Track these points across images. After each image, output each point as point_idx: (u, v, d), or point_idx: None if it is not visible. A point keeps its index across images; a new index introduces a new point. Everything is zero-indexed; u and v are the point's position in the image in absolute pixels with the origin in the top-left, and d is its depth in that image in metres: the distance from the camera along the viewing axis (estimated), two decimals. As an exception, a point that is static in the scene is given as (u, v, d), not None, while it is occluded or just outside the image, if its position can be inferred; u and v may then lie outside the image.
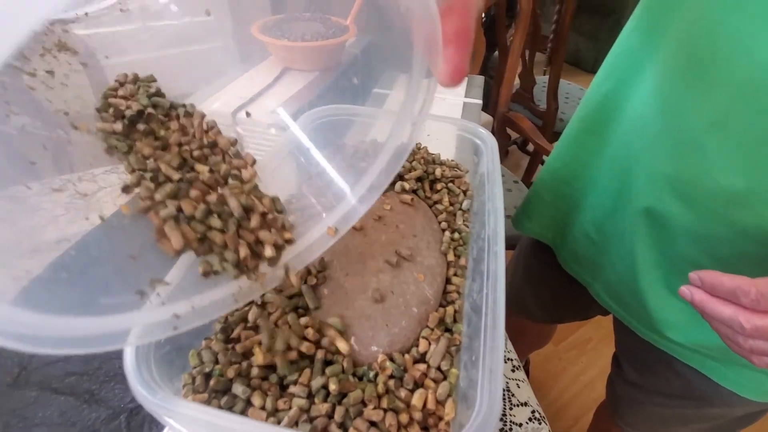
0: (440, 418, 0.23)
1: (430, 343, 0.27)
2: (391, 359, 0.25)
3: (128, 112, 0.25)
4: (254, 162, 0.29)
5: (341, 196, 0.27)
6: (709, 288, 0.31)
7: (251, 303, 0.28)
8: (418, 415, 0.23)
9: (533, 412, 0.58)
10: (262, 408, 0.23)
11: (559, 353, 1.31)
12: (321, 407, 0.23)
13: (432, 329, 0.28)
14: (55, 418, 0.47)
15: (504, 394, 0.60)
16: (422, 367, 0.25)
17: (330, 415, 0.23)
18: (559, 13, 1.47)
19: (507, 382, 0.61)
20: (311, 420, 0.23)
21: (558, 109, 1.41)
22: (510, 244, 1.11)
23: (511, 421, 0.57)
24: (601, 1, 2.44)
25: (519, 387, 0.61)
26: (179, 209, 0.22)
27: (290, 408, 0.24)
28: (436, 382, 0.24)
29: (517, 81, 1.43)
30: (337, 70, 0.68)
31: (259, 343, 0.26)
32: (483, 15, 1.61)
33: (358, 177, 0.27)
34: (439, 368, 0.25)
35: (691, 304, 0.32)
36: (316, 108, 0.42)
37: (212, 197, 0.23)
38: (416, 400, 0.23)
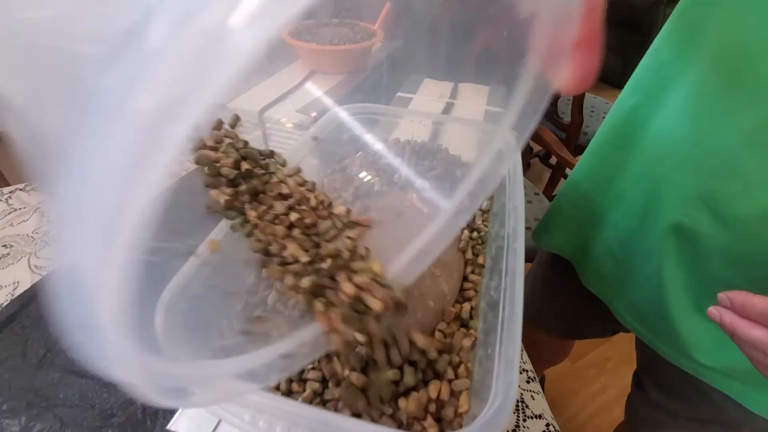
0: (455, 411, 0.23)
1: (445, 336, 0.27)
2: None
3: (225, 170, 0.25)
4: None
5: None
6: (739, 309, 0.30)
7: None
8: (432, 406, 0.23)
9: (548, 425, 0.56)
10: (277, 389, 0.24)
11: (576, 371, 1.27)
12: (334, 391, 0.23)
13: (448, 323, 0.28)
14: (76, 399, 0.48)
15: (518, 405, 0.59)
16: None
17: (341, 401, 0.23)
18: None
19: (521, 393, 0.59)
20: (324, 403, 0.23)
21: (582, 122, 1.40)
22: (528, 257, 1.09)
23: (524, 434, 0.56)
24: (629, 16, 2.42)
25: (533, 399, 0.59)
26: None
27: (304, 391, 0.24)
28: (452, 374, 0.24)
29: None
30: (363, 73, 0.69)
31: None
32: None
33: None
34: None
35: (720, 326, 0.31)
36: (345, 105, 0.43)
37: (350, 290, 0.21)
38: (432, 391, 0.23)
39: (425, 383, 0.24)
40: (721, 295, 0.31)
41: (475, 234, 0.35)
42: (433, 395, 0.23)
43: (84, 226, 0.10)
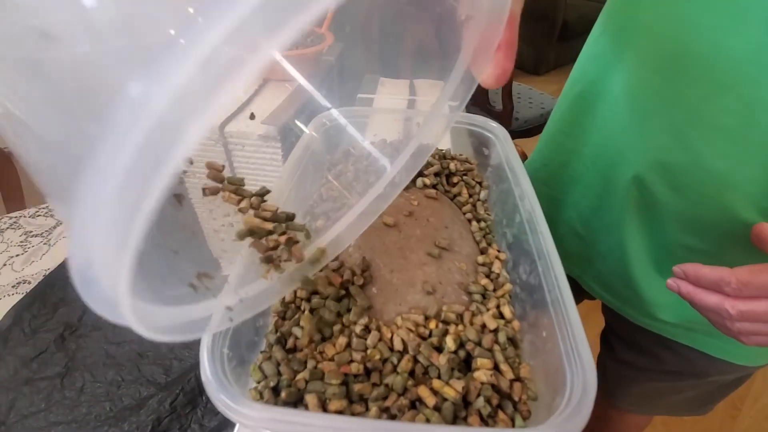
0: (519, 397, 0.23)
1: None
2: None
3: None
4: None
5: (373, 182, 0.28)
6: (693, 280, 0.34)
7: (302, 309, 0.27)
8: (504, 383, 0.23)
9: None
10: (341, 413, 0.22)
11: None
12: (402, 401, 0.22)
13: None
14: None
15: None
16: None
17: (412, 406, 0.22)
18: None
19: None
20: (393, 417, 0.22)
21: (513, 108, 1.48)
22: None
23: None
24: (536, 6, 2.61)
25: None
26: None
27: (366, 410, 0.23)
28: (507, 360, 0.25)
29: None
30: (317, 78, 0.67)
31: (321, 353, 0.25)
32: (434, 24, 1.66)
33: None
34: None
35: (679, 295, 0.35)
36: (326, 112, 0.41)
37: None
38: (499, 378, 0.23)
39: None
40: (676, 269, 0.35)
41: (483, 224, 0.35)
42: (492, 378, 0.23)
43: (96, 224, 0.12)
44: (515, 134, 1.51)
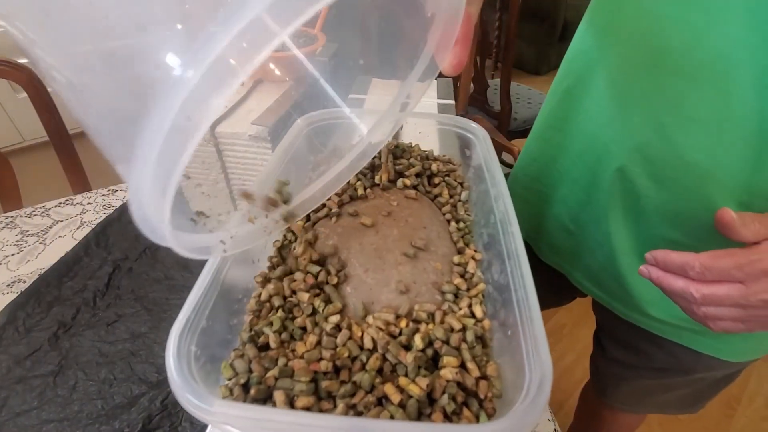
0: (484, 394, 0.24)
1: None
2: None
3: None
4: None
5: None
6: (662, 265, 0.34)
7: (277, 309, 0.27)
8: (470, 381, 0.23)
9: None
10: (308, 410, 0.23)
11: (536, 342, 1.36)
12: (369, 399, 0.23)
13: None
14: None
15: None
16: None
17: (378, 403, 0.23)
18: (501, 20, 1.55)
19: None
20: (359, 414, 0.23)
21: (511, 109, 1.48)
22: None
23: None
24: (537, 7, 2.61)
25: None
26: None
27: (334, 407, 0.23)
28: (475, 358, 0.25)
29: (470, 86, 1.49)
30: (309, 78, 0.68)
31: (292, 351, 0.26)
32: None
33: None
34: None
35: (650, 280, 0.36)
36: (308, 114, 0.42)
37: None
38: (465, 375, 0.24)
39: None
40: (647, 255, 0.36)
41: (461, 224, 0.36)
42: (457, 376, 0.24)
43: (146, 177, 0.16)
44: (514, 134, 1.51)
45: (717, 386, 0.58)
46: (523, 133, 1.51)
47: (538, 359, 0.21)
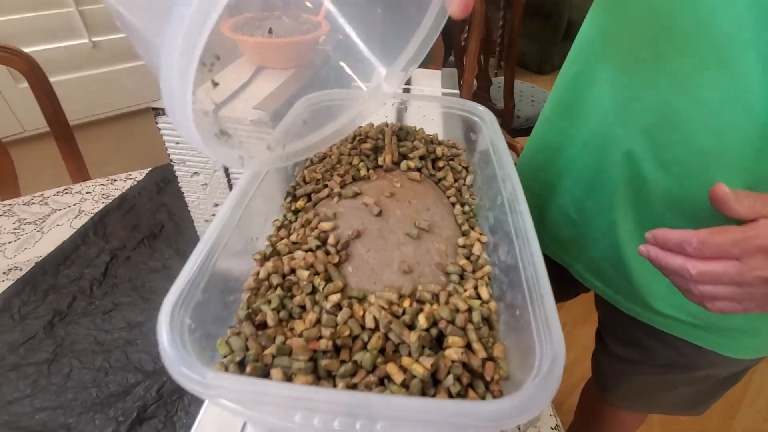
0: (491, 376, 0.23)
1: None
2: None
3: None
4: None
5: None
6: (661, 243, 0.34)
7: (276, 287, 0.26)
8: (476, 362, 0.22)
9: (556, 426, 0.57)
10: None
11: (537, 341, 1.34)
12: (370, 378, 0.22)
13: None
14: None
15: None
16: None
17: (380, 383, 0.22)
18: (504, 18, 1.55)
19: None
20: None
21: (515, 106, 1.48)
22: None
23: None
24: (541, 6, 2.60)
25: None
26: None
27: (334, 386, 0.22)
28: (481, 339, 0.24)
29: (474, 82, 1.48)
30: (312, 66, 0.67)
31: (291, 329, 0.25)
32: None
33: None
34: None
35: (649, 260, 0.35)
36: (311, 94, 0.41)
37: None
38: (471, 356, 0.23)
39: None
40: (647, 234, 0.35)
41: (467, 208, 0.35)
42: (462, 356, 0.23)
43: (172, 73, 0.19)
44: (517, 132, 1.50)
45: (722, 386, 0.57)
46: (527, 131, 1.50)
47: (549, 337, 0.20)
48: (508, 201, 0.29)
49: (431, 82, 0.67)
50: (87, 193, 0.78)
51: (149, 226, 0.74)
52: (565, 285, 0.64)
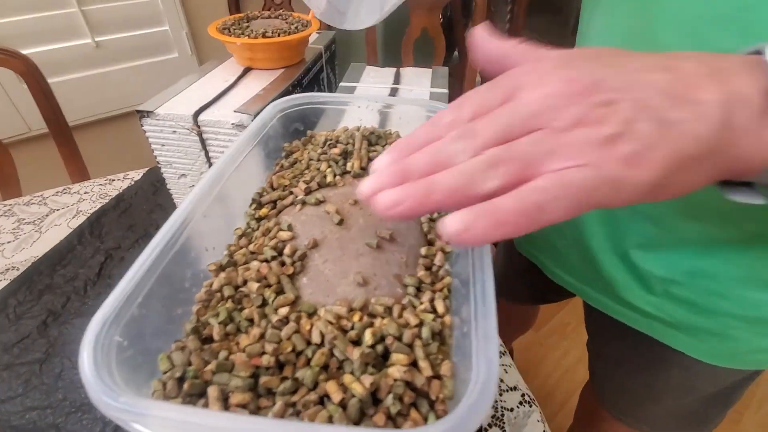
0: (437, 396, 0.22)
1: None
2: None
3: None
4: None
5: None
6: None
7: (226, 299, 0.26)
8: (420, 380, 0.22)
9: (523, 395, 0.57)
10: (243, 407, 0.21)
11: (540, 339, 1.33)
12: (310, 397, 0.21)
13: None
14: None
15: (493, 381, 0.59)
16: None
17: (319, 402, 0.21)
18: (512, 12, 1.51)
19: (495, 369, 0.60)
20: (297, 414, 0.21)
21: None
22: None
23: (501, 407, 0.57)
24: (549, 0, 2.54)
25: (507, 372, 0.61)
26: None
27: (273, 404, 0.22)
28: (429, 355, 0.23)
29: (477, 78, 1.46)
30: (302, 66, 0.66)
31: (237, 344, 0.24)
32: (441, 16, 1.64)
33: None
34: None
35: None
36: (286, 97, 0.40)
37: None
38: (416, 375, 0.22)
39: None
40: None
41: (435, 215, 0.34)
42: (405, 375, 0.22)
43: None
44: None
45: (712, 405, 0.54)
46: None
47: (485, 359, 0.19)
48: (469, 210, 0.28)
49: (420, 81, 0.66)
50: (85, 193, 0.80)
51: (144, 226, 0.74)
52: (539, 285, 0.64)
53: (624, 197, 0.19)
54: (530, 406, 0.57)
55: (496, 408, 0.57)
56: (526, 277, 0.74)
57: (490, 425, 0.56)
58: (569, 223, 0.50)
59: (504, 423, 0.56)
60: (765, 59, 0.19)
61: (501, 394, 0.59)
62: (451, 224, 0.19)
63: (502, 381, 0.60)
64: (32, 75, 0.76)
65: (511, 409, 0.58)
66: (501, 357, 0.62)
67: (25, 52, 0.78)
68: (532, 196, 0.18)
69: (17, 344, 0.58)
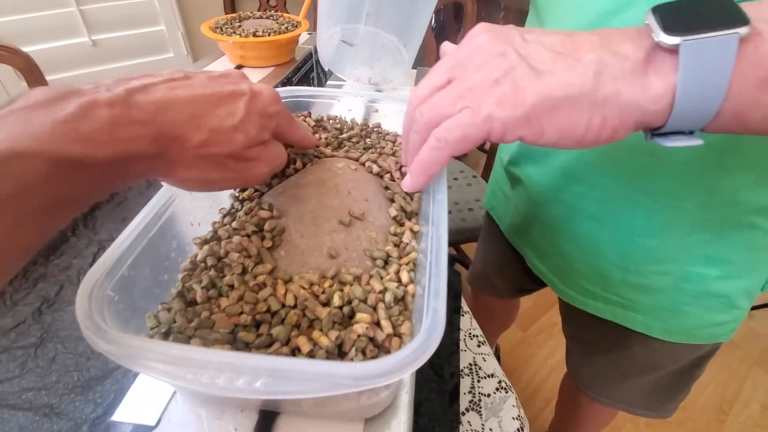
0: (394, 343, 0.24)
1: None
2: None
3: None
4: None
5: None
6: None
7: (209, 267, 0.29)
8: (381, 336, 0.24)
9: (499, 382, 0.60)
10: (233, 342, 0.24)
11: (527, 339, 1.35)
12: (282, 350, 0.24)
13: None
14: (15, 433, 0.47)
15: (471, 368, 0.62)
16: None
17: (291, 355, 0.24)
18: (504, 20, 1.55)
19: (474, 356, 0.63)
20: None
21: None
22: (474, 235, 1.13)
23: (479, 393, 0.59)
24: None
25: (485, 360, 0.63)
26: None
27: (258, 337, 0.24)
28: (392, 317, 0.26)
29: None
30: (292, 65, 0.69)
31: (218, 306, 0.27)
32: (433, 21, 1.68)
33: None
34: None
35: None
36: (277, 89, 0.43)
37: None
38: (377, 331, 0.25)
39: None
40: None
41: (403, 202, 0.36)
42: (367, 331, 0.24)
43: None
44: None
45: (677, 381, 0.57)
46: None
47: (434, 310, 0.22)
48: (432, 191, 0.31)
49: (405, 81, 0.69)
50: (81, 187, 0.82)
51: (137, 219, 0.77)
52: (520, 273, 0.68)
53: (500, 130, 0.24)
54: (506, 392, 0.60)
55: (474, 393, 0.59)
56: (504, 270, 0.77)
57: (468, 409, 0.59)
58: (555, 223, 0.52)
59: (481, 407, 0.59)
60: (645, 21, 0.22)
61: (479, 381, 0.61)
62: (404, 183, 0.32)
63: (480, 368, 0.62)
64: (32, 72, 0.78)
65: (488, 395, 0.60)
66: (480, 347, 0.65)
67: (24, 50, 0.81)
68: (431, 143, 0.27)
69: (14, 329, 0.60)
